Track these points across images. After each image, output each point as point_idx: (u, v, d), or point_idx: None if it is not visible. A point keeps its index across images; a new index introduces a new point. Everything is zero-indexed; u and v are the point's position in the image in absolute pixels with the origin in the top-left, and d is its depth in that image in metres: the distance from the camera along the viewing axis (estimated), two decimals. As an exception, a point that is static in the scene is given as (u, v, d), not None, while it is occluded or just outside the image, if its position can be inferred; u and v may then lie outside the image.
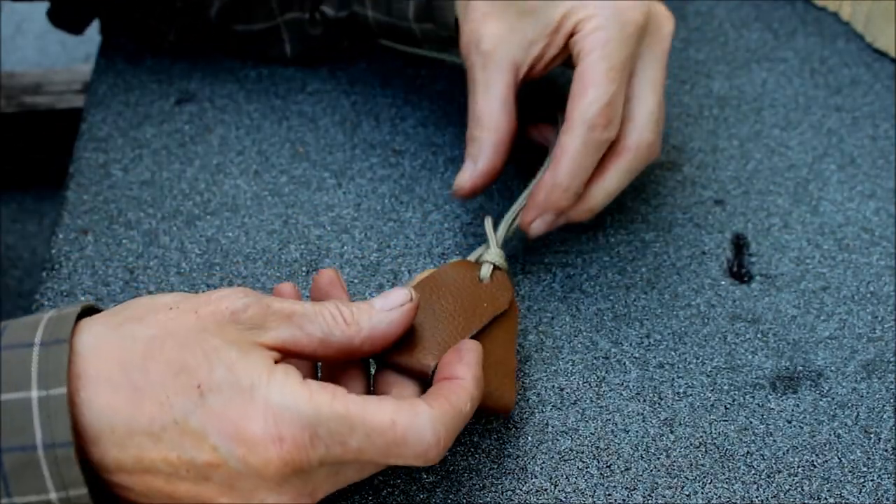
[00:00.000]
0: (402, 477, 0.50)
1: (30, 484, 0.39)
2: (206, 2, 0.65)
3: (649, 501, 0.49)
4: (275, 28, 0.66)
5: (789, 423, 0.52)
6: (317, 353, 0.44)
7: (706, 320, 0.56)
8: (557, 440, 0.51)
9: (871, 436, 0.51)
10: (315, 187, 0.62)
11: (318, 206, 0.61)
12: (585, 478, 0.50)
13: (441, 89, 0.66)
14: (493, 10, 0.55)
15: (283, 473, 0.40)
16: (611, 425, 0.52)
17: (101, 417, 0.40)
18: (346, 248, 0.59)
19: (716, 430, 0.52)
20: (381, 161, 0.64)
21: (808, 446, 0.51)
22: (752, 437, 0.51)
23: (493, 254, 0.53)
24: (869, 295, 0.58)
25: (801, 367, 0.54)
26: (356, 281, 0.58)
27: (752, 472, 0.50)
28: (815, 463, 0.50)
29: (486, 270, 0.52)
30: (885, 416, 0.52)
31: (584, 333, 0.56)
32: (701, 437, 0.51)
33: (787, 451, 0.51)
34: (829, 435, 0.52)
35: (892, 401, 0.53)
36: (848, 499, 0.49)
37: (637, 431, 0.51)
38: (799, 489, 0.49)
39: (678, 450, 0.51)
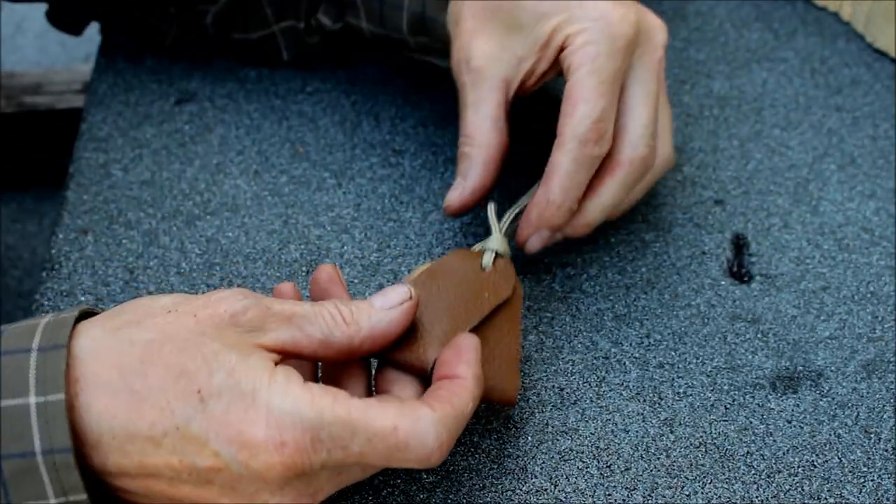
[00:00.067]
0: (402, 477, 0.50)
1: (29, 490, 0.39)
2: (201, 10, 0.65)
3: (649, 501, 0.49)
4: (271, 36, 0.66)
5: (789, 423, 0.52)
6: (317, 354, 0.44)
7: (706, 320, 0.56)
8: (557, 440, 0.51)
9: (871, 436, 0.51)
10: (315, 187, 0.62)
11: (318, 206, 0.61)
12: (585, 478, 0.50)
13: (441, 89, 0.66)
14: (482, 27, 0.54)
15: (285, 477, 0.40)
16: (611, 425, 0.52)
17: (100, 422, 0.39)
18: (346, 248, 0.59)
19: (716, 430, 0.52)
20: (381, 161, 0.64)
21: (808, 446, 0.51)
22: (752, 437, 0.51)
23: (495, 241, 0.52)
24: (869, 295, 0.58)
25: (801, 367, 0.54)
26: (356, 281, 0.58)
27: (752, 472, 0.50)
28: (815, 463, 0.50)
29: (487, 258, 0.52)
30: (885, 416, 0.52)
31: (584, 333, 0.56)
32: (701, 437, 0.51)
33: (787, 451, 0.51)
34: (830, 435, 0.52)
35: (892, 401, 0.53)
36: (848, 499, 0.49)
37: (637, 431, 0.51)
38: (799, 489, 0.49)
39: (678, 450, 0.51)
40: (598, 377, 0.54)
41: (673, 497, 0.49)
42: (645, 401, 0.53)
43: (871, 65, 0.71)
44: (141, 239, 0.59)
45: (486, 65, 0.54)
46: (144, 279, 0.57)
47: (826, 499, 0.49)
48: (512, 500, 0.49)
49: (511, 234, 0.55)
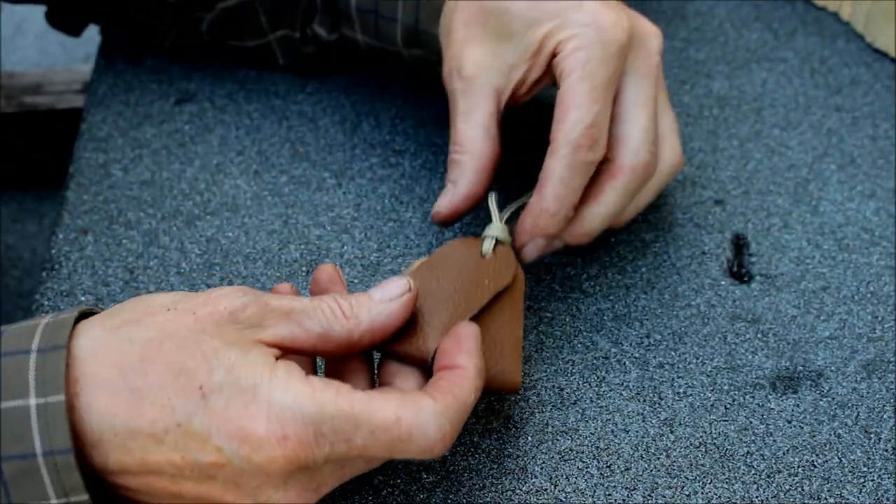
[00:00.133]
0: (402, 477, 0.50)
1: (30, 491, 0.39)
2: (196, 17, 0.65)
3: (649, 501, 0.49)
4: (266, 45, 0.66)
5: (789, 423, 0.52)
6: (317, 349, 0.44)
7: (706, 320, 0.56)
8: (557, 440, 0.51)
9: (871, 436, 0.52)
10: (315, 187, 0.62)
11: (318, 206, 0.61)
12: (585, 478, 0.50)
13: (440, 90, 0.66)
14: (473, 36, 0.54)
15: (288, 471, 0.40)
16: (611, 425, 0.52)
17: (101, 421, 0.40)
18: (346, 248, 0.59)
19: (716, 430, 0.52)
20: (381, 161, 0.64)
21: (808, 446, 0.51)
22: (752, 437, 0.51)
23: (495, 228, 0.52)
24: (869, 295, 0.58)
25: (801, 367, 0.54)
26: (356, 281, 0.58)
27: (752, 472, 0.50)
28: (815, 463, 0.50)
29: (487, 245, 0.51)
30: (885, 416, 0.52)
31: (584, 333, 0.56)
32: (701, 437, 0.51)
33: (787, 451, 0.51)
34: (829, 435, 0.52)
35: (892, 401, 0.53)
36: (848, 499, 0.49)
37: (637, 431, 0.51)
38: (799, 489, 0.49)
39: (678, 450, 0.51)
40: (598, 377, 0.54)
41: (673, 497, 0.49)
42: (645, 401, 0.53)
43: (871, 65, 0.71)
44: (141, 239, 0.59)
45: (478, 73, 0.53)
46: (144, 279, 0.57)
47: (826, 499, 0.49)
48: (512, 500, 0.49)
49: (510, 220, 0.54)
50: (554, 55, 0.52)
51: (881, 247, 0.60)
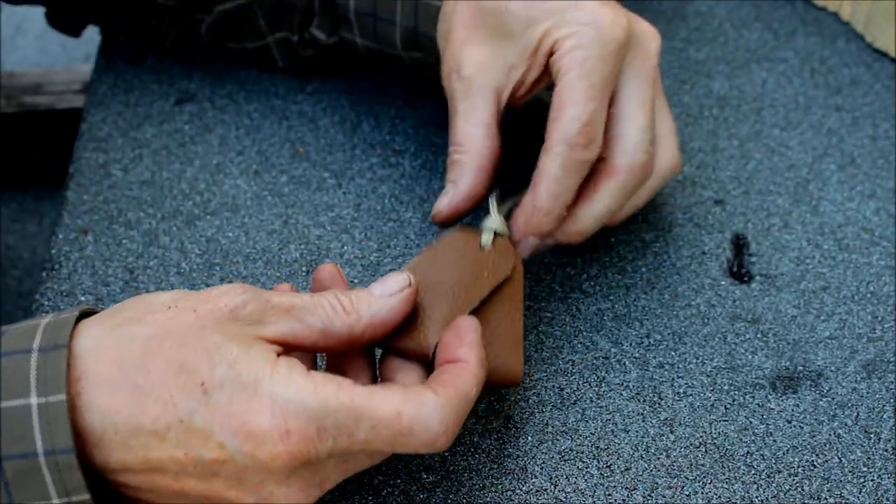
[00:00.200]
0: (402, 477, 0.50)
1: (32, 491, 0.39)
2: (196, 19, 0.65)
3: (649, 501, 0.49)
4: (265, 47, 0.66)
5: (789, 423, 0.52)
6: (318, 345, 0.44)
7: (706, 320, 0.56)
8: (557, 440, 0.51)
9: (871, 436, 0.52)
10: (315, 187, 0.62)
11: (318, 206, 0.61)
12: (585, 478, 0.50)
13: (441, 90, 0.66)
14: (472, 36, 0.54)
15: (290, 466, 0.40)
16: (611, 425, 0.52)
17: (102, 419, 0.40)
18: (346, 248, 0.59)
19: (716, 430, 0.52)
20: (381, 161, 0.64)
21: (808, 446, 0.51)
22: (752, 437, 0.51)
23: (493, 220, 0.52)
24: (869, 295, 0.58)
25: (801, 367, 0.54)
26: (356, 281, 0.58)
27: (752, 472, 0.50)
28: (815, 463, 0.50)
29: (486, 238, 0.51)
30: (885, 416, 0.52)
31: (584, 333, 0.56)
32: (701, 437, 0.51)
33: (787, 451, 0.51)
34: (829, 435, 0.52)
35: (892, 401, 0.53)
36: (848, 499, 0.49)
37: (637, 431, 0.51)
38: (799, 489, 0.49)
39: (678, 450, 0.51)
40: (598, 377, 0.54)
41: (673, 497, 0.49)
42: (645, 401, 0.53)
43: (871, 65, 0.71)
44: (141, 239, 0.59)
45: (477, 73, 0.53)
46: (144, 279, 0.57)
47: (826, 499, 0.49)
48: (512, 500, 0.49)
49: (509, 214, 0.54)
50: (551, 53, 0.52)
51: (881, 247, 0.60)
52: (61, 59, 1.60)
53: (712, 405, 0.53)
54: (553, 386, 0.53)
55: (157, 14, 0.66)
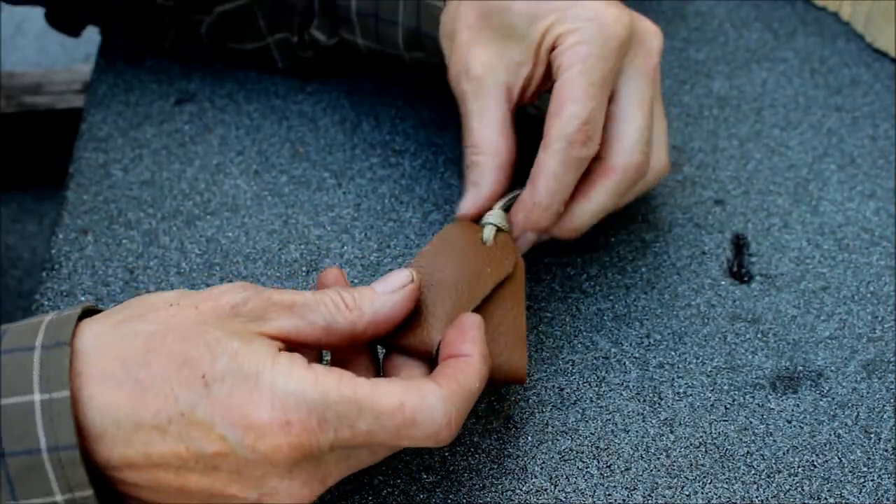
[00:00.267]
0: (402, 477, 0.50)
1: (35, 487, 0.39)
2: (195, 19, 0.65)
3: (649, 501, 0.49)
4: (265, 48, 0.66)
5: (789, 423, 0.52)
6: (321, 342, 0.44)
7: (706, 320, 0.56)
8: (557, 440, 0.51)
9: (871, 436, 0.52)
10: (315, 187, 0.62)
11: (318, 206, 0.61)
12: (585, 478, 0.50)
13: (441, 90, 0.66)
14: (478, 37, 0.54)
15: (292, 459, 0.40)
16: (611, 425, 0.52)
17: (104, 415, 0.40)
18: (346, 248, 0.59)
19: (716, 430, 0.52)
20: (381, 161, 0.64)
21: (808, 446, 0.51)
22: (752, 437, 0.51)
23: (495, 215, 0.52)
24: (869, 295, 0.58)
25: (801, 367, 0.54)
26: (356, 281, 0.58)
27: (752, 472, 0.50)
28: (815, 463, 0.50)
29: (488, 233, 0.51)
30: (885, 416, 0.52)
31: (584, 333, 0.56)
32: (701, 437, 0.51)
33: (787, 451, 0.51)
34: (829, 435, 0.52)
35: (892, 401, 0.53)
36: (848, 499, 0.49)
37: (637, 431, 0.51)
38: (799, 489, 0.49)
39: (678, 450, 0.51)
40: (598, 377, 0.54)
41: (673, 497, 0.49)
42: (645, 401, 0.53)
43: (871, 65, 0.71)
44: (141, 239, 0.59)
45: (486, 73, 0.53)
46: (144, 279, 0.57)
47: (826, 499, 0.49)
48: (512, 500, 0.49)
49: (507, 210, 0.54)
50: (553, 48, 0.52)
51: (881, 247, 0.60)
52: (61, 59, 1.60)
53: (712, 405, 0.53)
54: (553, 386, 0.53)
55: (157, 14, 0.66)
